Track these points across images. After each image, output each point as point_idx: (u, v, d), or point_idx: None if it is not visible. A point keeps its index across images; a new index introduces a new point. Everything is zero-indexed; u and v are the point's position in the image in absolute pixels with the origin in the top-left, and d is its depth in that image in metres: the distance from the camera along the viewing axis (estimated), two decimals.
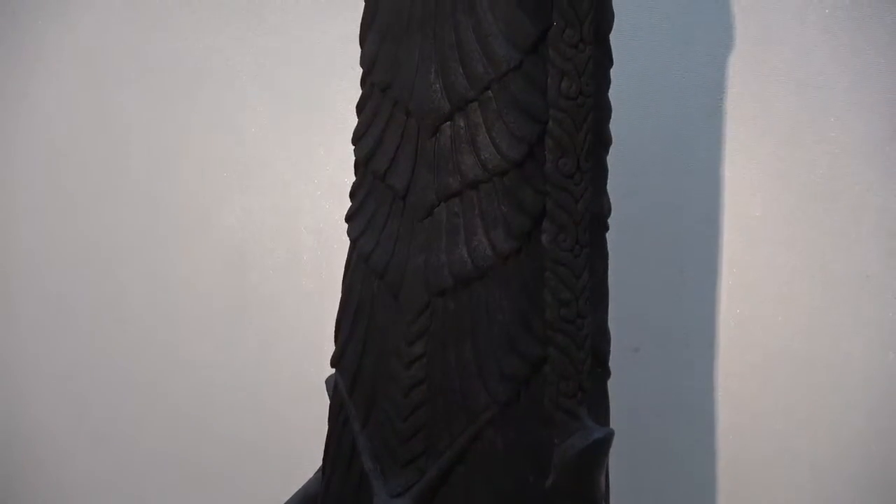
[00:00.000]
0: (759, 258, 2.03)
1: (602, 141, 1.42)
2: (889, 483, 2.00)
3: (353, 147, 1.48)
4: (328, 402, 1.53)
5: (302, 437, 2.17)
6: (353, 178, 1.49)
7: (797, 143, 2.01)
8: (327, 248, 2.21)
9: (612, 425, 1.44)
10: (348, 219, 1.48)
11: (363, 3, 1.48)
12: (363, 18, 1.47)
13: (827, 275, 2.01)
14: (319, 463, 1.54)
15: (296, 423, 2.24)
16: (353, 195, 1.49)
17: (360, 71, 1.47)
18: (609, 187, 1.46)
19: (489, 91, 1.33)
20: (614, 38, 1.44)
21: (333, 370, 1.52)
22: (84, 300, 2.39)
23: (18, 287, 2.44)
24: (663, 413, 2.08)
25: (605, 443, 1.38)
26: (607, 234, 1.46)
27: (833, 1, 1.99)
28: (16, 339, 2.45)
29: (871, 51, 1.98)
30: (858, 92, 1.99)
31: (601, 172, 1.43)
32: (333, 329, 1.52)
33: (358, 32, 1.48)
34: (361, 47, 1.47)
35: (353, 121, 1.48)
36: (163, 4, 2.30)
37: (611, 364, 1.46)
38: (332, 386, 1.52)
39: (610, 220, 1.46)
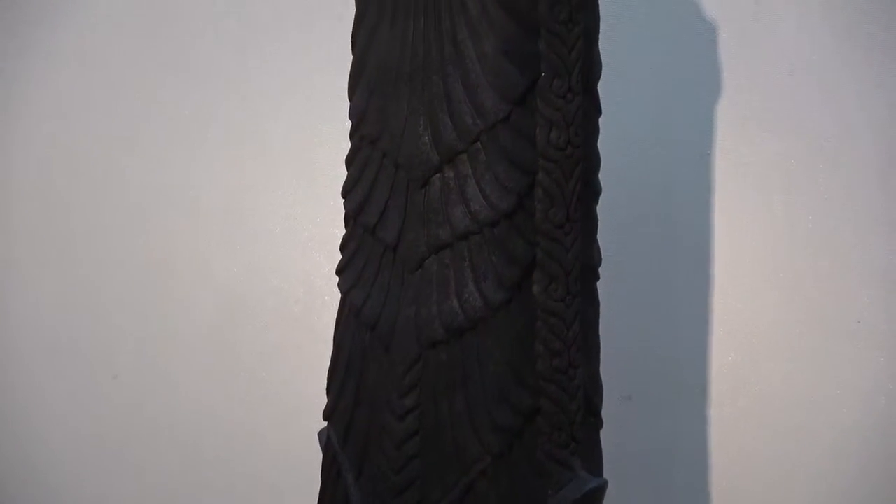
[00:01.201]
0: (750, 305, 2.04)
1: (591, 191, 1.42)
2: None
3: (342, 200, 1.48)
4: (320, 454, 1.52)
5: (294, 489, 2.16)
6: (344, 231, 1.49)
7: (786, 190, 2.02)
8: (318, 300, 2.20)
9: (605, 475, 1.44)
10: (339, 271, 1.48)
11: (351, 57, 1.48)
12: (351, 71, 1.47)
13: (818, 321, 2.01)
14: None
15: (288, 476, 2.23)
16: (343, 248, 1.49)
17: (349, 124, 1.48)
18: (599, 237, 1.46)
19: (478, 143, 1.33)
20: (602, 88, 1.45)
21: (325, 423, 1.51)
22: (76, 353, 2.37)
23: (11, 341, 2.44)
24: (656, 462, 2.08)
25: (598, 493, 1.38)
26: (598, 284, 1.46)
27: (820, 50, 2.00)
28: (13, 392, 2.44)
29: (858, 100, 2.00)
30: (847, 140, 2.00)
31: (591, 222, 1.43)
32: (325, 381, 1.51)
33: (346, 85, 1.49)
34: (350, 100, 1.47)
35: (343, 174, 1.48)
36: (157, 60, 2.31)
37: (603, 413, 1.46)
38: (325, 439, 1.51)
39: (601, 270, 1.46)
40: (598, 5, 1.43)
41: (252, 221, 2.26)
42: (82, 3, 2.36)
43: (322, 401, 1.52)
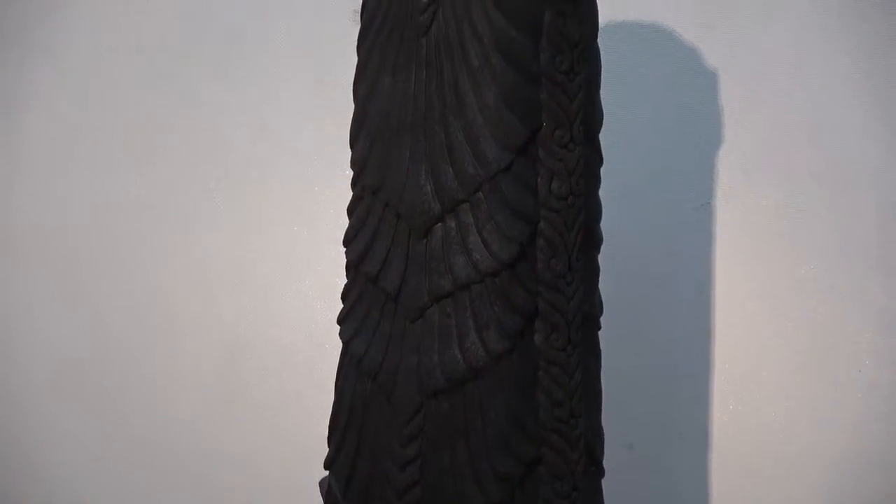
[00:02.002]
0: (751, 353, 2.03)
1: (593, 240, 1.42)
2: None
3: (344, 249, 1.48)
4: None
5: None
6: (345, 280, 1.49)
7: (786, 238, 2.02)
8: (319, 348, 2.20)
9: None
10: (340, 321, 1.48)
11: (353, 106, 1.49)
12: (353, 121, 1.48)
13: (819, 369, 2.01)
14: None
15: None
16: (344, 297, 1.49)
17: (350, 172, 1.48)
18: (600, 286, 1.46)
19: (480, 192, 1.33)
20: (603, 137, 1.45)
21: (327, 472, 1.51)
22: (77, 398, 2.37)
23: (17, 383, 2.43)
24: None
25: None
26: (599, 333, 1.46)
27: (820, 96, 2.01)
28: (18, 433, 2.43)
29: (858, 147, 2.00)
30: (847, 187, 2.00)
31: (592, 271, 1.43)
32: (326, 430, 1.51)
33: (348, 134, 1.49)
34: (352, 150, 1.47)
35: (345, 222, 1.48)
36: (161, 105, 2.32)
37: (605, 462, 1.46)
38: (326, 488, 1.51)
39: (602, 319, 1.46)
40: (599, 55, 1.43)
41: (253, 269, 2.26)
42: (83, 44, 2.37)
43: (323, 450, 1.51)
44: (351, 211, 1.47)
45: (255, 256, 2.26)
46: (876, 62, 2.01)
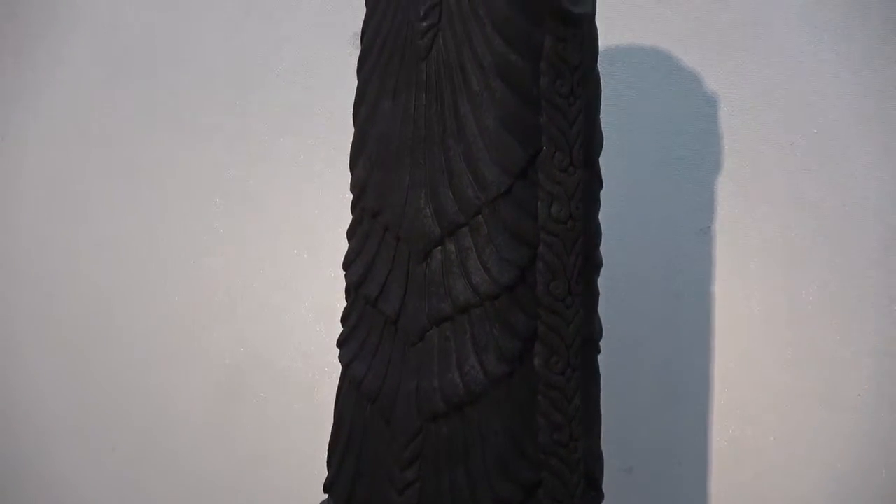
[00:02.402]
0: (752, 378, 2.03)
1: (592, 264, 1.42)
2: None
3: (343, 272, 1.48)
4: None
5: None
6: (345, 303, 1.49)
7: (787, 264, 2.02)
8: (319, 371, 2.20)
9: None
10: (340, 344, 1.48)
11: (353, 129, 1.49)
12: (353, 144, 1.48)
13: (819, 394, 2.01)
14: None
15: None
16: (344, 320, 1.49)
17: (350, 195, 1.48)
18: (600, 310, 1.46)
19: (480, 216, 1.33)
20: (603, 161, 1.45)
21: (326, 495, 1.51)
22: (76, 425, 2.37)
23: (13, 415, 2.43)
24: None
25: None
26: (599, 357, 1.46)
27: (822, 122, 2.02)
28: (13, 467, 2.43)
29: (859, 173, 2.00)
30: (848, 213, 2.00)
31: (592, 295, 1.43)
32: (326, 454, 1.51)
33: (348, 157, 1.49)
34: (352, 173, 1.48)
35: (344, 245, 1.48)
36: (158, 126, 2.32)
37: (604, 485, 1.46)
38: None
39: (601, 343, 1.46)
40: (599, 79, 1.44)
41: (253, 293, 2.26)
42: (81, 70, 2.38)
43: (323, 473, 1.51)
44: (351, 234, 1.47)
45: (255, 280, 2.26)
46: (878, 89, 2.01)
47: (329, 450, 1.50)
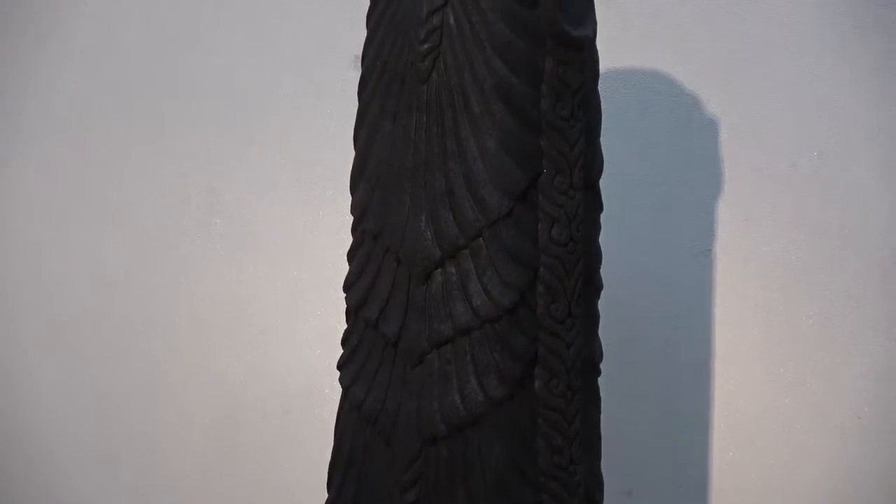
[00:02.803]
0: (752, 401, 2.03)
1: (593, 286, 1.42)
2: None
3: (344, 294, 1.48)
4: None
5: None
6: (345, 325, 1.49)
7: (787, 286, 2.02)
8: (319, 393, 2.20)
9: None
10: (340, 366, 1.48)
11: (353, 151, 1.49)
12: (353, 166, 1.48)
13: (819, 418, 2.01)
14: None
15: None
16: (345, 342, 1.49)
17: (350, 217, 1.48)
18: (600, 332, 1.46)
19: (480, 238, 1.33)
20: (604, 183, 1.46)
21: None
22: (77, 449, 2.37)
23: (14, 437, 2.43)
24: None
25: None
26: (599, 379, 1.46)
27: (822, 144, 2.02)
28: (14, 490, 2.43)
29: (859, 194, 2.01)
30: (848, 235, 2.00)
31: (592, 318, 1.43)
32: (326, 476, 1.51)
33: (348, 178, 1.49)
34: (352, 195, 1.48)
35: (345, 267, 1.48)
36: (158, 151, 2.32)
37: None
38: None
39: (602, 365, 1.46)
40: (600, 102, 1.44)
41: (253, 314, 2.26)
42: (80, 92, 2.38)
43: (323, 495, 1.51)
44: (351, 256, 1.47)
45: (255, 302, 2.26)
46: (878, 111, 2.02)
47: (329, 471, 1.50)
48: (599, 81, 1.44)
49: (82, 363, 2.37)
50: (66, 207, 2.39)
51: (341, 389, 1.48)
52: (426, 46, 1.37)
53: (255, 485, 2.26)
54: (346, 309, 1.48)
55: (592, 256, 1.41)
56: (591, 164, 1.41)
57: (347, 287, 1.47)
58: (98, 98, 2.37)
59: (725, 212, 2.04)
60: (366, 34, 1.49)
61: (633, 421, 2.03)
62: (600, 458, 1.47)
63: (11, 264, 2.43)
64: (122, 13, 2.37)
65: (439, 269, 1.35)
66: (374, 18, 1.46)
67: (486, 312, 1.32)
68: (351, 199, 1.48)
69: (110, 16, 2.37)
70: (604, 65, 1.49)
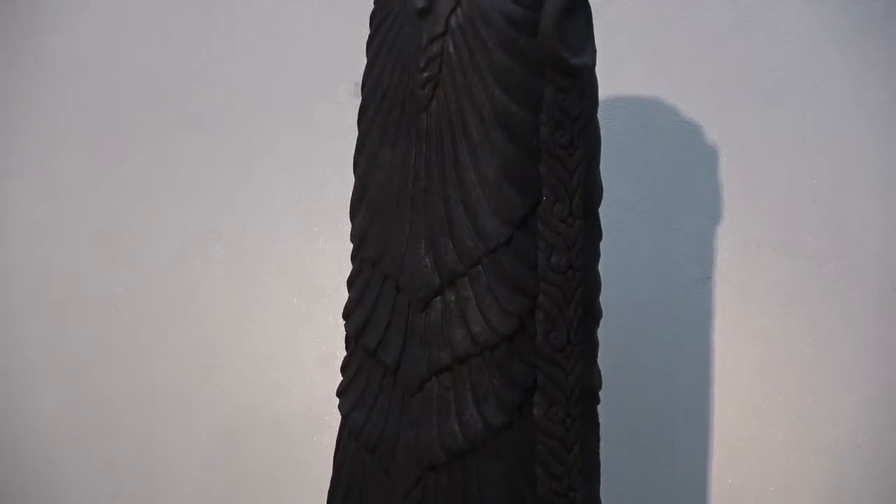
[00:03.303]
0: (750, 428, 2.03)
1: (592, 314, 1.42)
2: None
3: (343, 321, 1.48)
4: None
5: None
6: (344, 352, 1.49)
7: (786, 313, 2.02)
8: (318, 420, 2.19)
9: None
10: (339, 393, 1.48)
11: (353, 178, 1.49)
12: (353, 194, 1.48)
13: (817, 445, 2.00)
14: None
15: None
16: (344, 369, 1.48)
17: (350, 245, 1.48)
18: (599, 360, 1.46)
19: (479, 266, 1.33)
20: (603, 211, 1.46)
21: None
22: (76, 472, 2.36)
23: (14, 459, 2.43)
24: None
25: None
26: (598, 407, 1.46)
27: (820, 172, 2.02)
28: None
29: (857, 222, 2.01)
30: (847, 263, 2.00)
31: (592, 346, 1.43)
32: (325, 503, 1.51)
33: (348, 206, 1.50)
34: (352, 222, 1.48)
35: (344, 295, 1.48)
36: (157, 177, 2.32)
37: None
38: None
39: (601, 393, 1.46)
40: (599, 130, 1.44)
41: (253, 342, 2.26)
42: (80, 118, 2.38)
43: None
44: (351, 283, 1.47)
45: (255, 329, 2.26)
46: (878, 139, 2.02)
47: (328, 499, 1.50)
48: (599, 109, 1.45)
49: (78, 392, 2.37)
50: (65, 234, 2.38)
51: (340, 417, 1.48)
52: (426, 74, 1.37)
53: None
54: (346, 336, 1.48)
55: (592, 284, 1.41)
56: (591, 191, 1.41)
57: (347, 314, 1.47)
58: (101, 123, 2.37)
59: (724, 239, 2.04)
60: (366, 62, 1.49)
61: (633, 448, 2.03)
62: (599, 485, 1.47)
63: (14, 283, 2.42)
64: (125, 42, 2.37)
65: (439, 297, 1.35)
66: (375, 46, 1.47)
67: (486, 340, 1.33)
68: (350, 226, 1.48)
69: (115, 37, 2.38)
70: (603, 92, 1.50)
